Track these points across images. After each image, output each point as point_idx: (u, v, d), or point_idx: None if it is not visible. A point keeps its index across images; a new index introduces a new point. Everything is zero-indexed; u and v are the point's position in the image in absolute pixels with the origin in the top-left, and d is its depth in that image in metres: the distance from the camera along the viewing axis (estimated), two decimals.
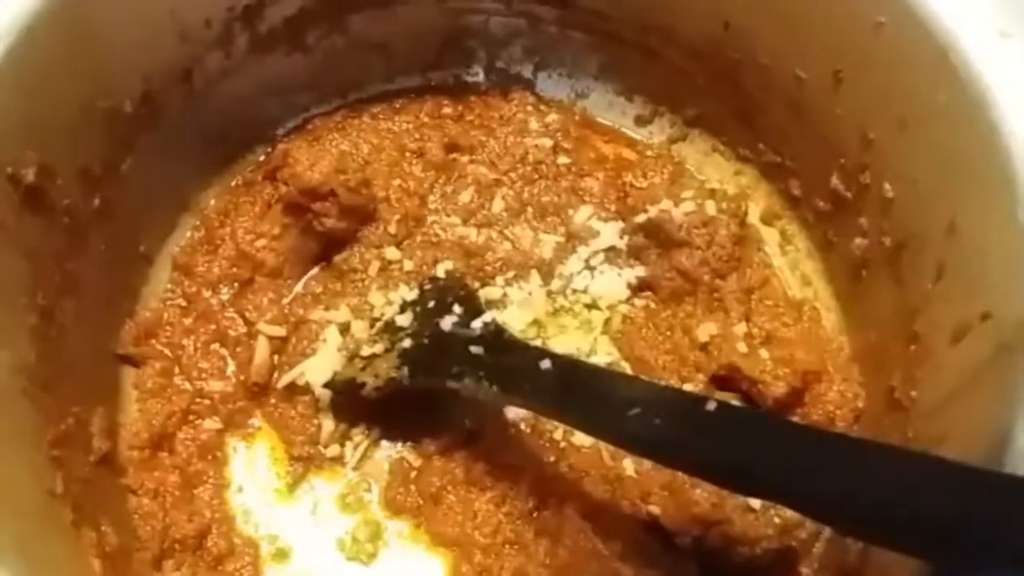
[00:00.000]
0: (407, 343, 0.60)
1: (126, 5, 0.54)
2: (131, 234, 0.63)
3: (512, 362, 0.54)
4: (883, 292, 0.57)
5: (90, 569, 0.45)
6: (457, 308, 0.61)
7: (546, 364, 0.52)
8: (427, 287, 0.64)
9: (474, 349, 0.57)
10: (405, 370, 0.59)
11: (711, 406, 0.42)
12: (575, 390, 0.50)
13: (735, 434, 0.41)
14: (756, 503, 0.52)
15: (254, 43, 0.64)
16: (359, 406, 0.63)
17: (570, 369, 0.52)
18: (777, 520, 0.51)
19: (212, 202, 0.69)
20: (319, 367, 0.62)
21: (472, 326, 0.59)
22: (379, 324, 0.63)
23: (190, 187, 0.69)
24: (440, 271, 0.66)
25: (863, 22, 0.52)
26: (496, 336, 0.58)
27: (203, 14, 0.59)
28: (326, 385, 0.62)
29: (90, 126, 0.55)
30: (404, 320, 0.62)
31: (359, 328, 0.63)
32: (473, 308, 0.61)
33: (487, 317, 0.59)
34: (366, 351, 0.61)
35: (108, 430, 0.57)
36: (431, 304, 0.62)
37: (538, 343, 0.66)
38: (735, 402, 0.61)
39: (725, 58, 0.65)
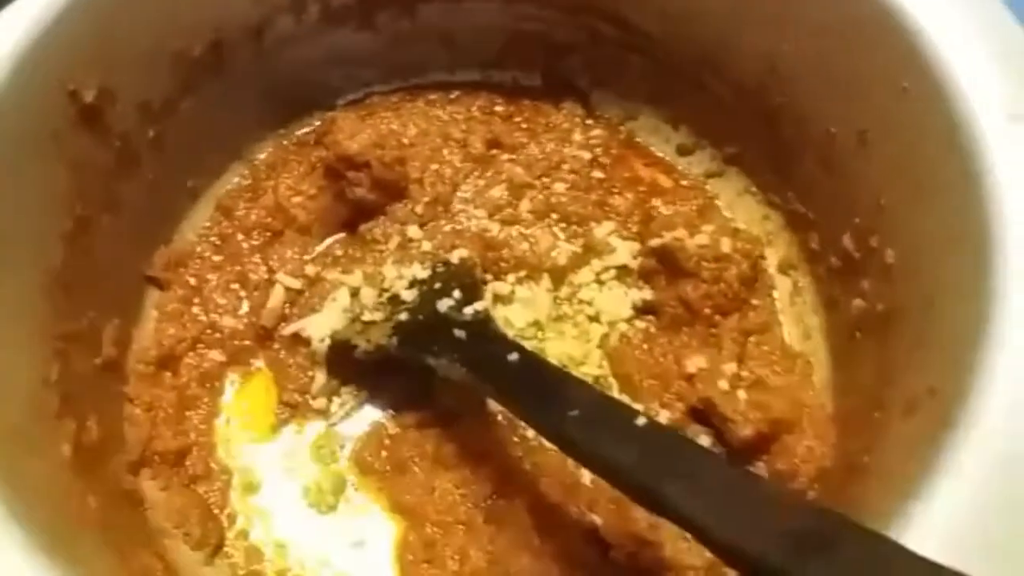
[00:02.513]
0: (403, 316, 0.63)
1: None
2: (181, 169, 0.68)
3: (485, 350, 0.57)
4: (869, 357, 0.57)
5: (60, 453, 0.50)
6: (456, 293, 0.63)
7: (513, 356, 0.54)
8: (439, 269, 0.67)
9: (457, 333, 0.59)
10: (395, 340, 0.62)
11: (640, 421, 0.44)
12: (530, 385, 0.52)
13: (652, 450, 0.42)
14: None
15: (325, 15, 0.69)
16: (353, 367, 0.66)
17: (532, 365, 0.54)
18: (706, 554, 0.52)
19: (263, 155, 0.75)
20: (321, 323, 0.66)
21: (464, 311, 0.62)
22: (386, 295, 0.66)
23: (245, 138, 0.74)
24: (455, 256, 0.69)
25: (891, 85, 0.52)
26: (481, 324, 0.60)
27: None
28: (323, 340, 0.65)
29: (156, 63, 0.60)
30: (409, 296, 0.65)
31: (367, 295, 0.66)
32: (472, 296, 0.64)
33: (479, 305, 0.62)
34: (367, 317, 0.65)
35: (120, 340, 0.63)
36: (437, 286, 0.65)
37: (534, 343, 0.68)
38: (706, 438, 0.63)
39: (768, 101, 0.66)
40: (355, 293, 0.67)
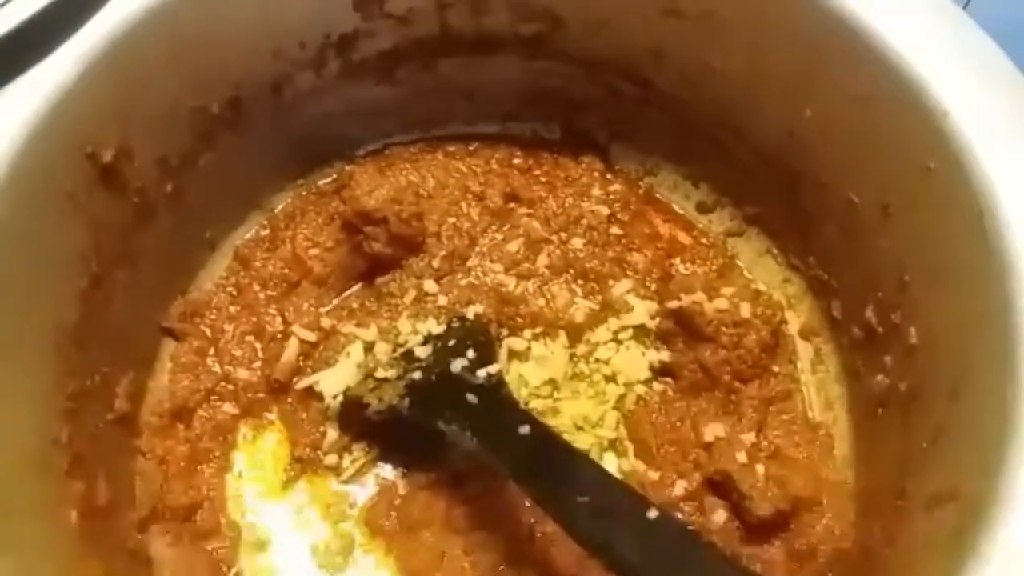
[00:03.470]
0: (416, 375, 0.63)
1: (225, 19, 0.59)
2: (199, 220, 0.69)
3: (497, 419, 0.56)
4: (891, 437, 0.55)
5: (66, 518, 0.49)
6: (471, 353, 0.63)
7: (525, 430, 0.54)
8: (454, 325, 0.67)
9: (470, 398, 0.59)
10: (406, 401, 0.62)
11: (652, 514, 0.42)
12: (540, 463, 0.51)
13: (660, 548, 0.41)
14: None
15: (345, 70, 0.69)
16: (364, 424, 0.66)
17: (542, 440, 0.53)
18: None
19: (282, 205, 0.75)
20: (335, 378, 0.66)
21: (477, 374, 0.61)
22: (400, 350, 0.66)
23: (265, 188, 0.74)
24: (470, 312, 0.68)
25: (915, 163, 0.51)
26: (494, 389, 0.59)
27: (299, 37, 0.64)
28: (335, 397, 0.65)
29: (175, 120, 0.60)
30: (423, 352, 0.65)
31: (381, 350, 0.66)
32: (486, 356, 0.63)
33: (493, 368, 0.61)
34: (380, 373, 0.64)
35: (133, 393, 0.63)
36: (451, 343, 0.65)
37: (549, 402, 0.67)
38: (723, 511, 0.61)
39: (788, 166, 0.65)
40: (369, 348, 0.67)
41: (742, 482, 0.59)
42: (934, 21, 0.51)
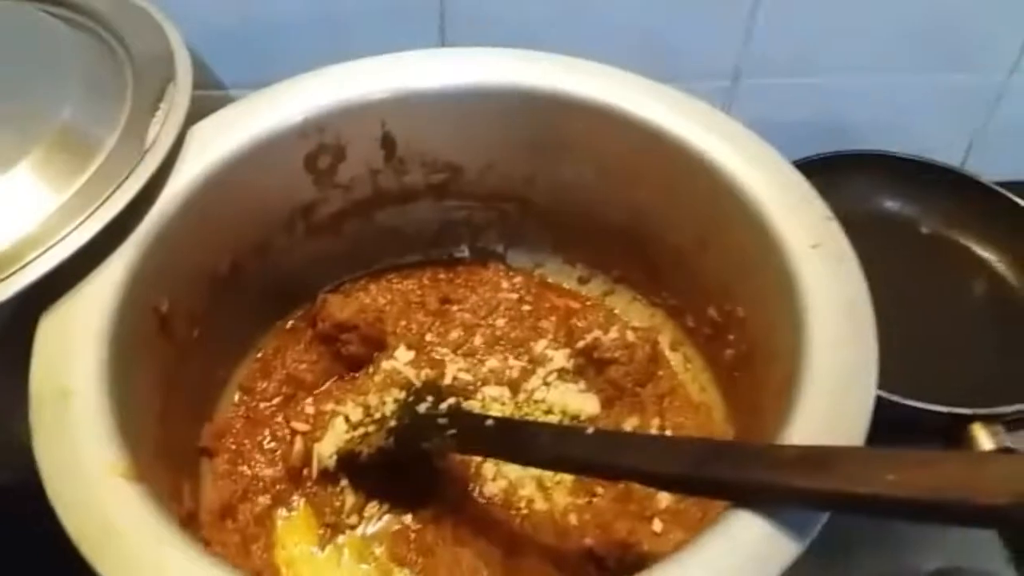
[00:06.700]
0: (392, 423, 0.82)
1: (231, 201, 0.82)
2: (214, 360, 0.87)
3: (467, 423, 0.79)
4: (747, 386, 0.81)
5: None
6: (429, 398, 0.83)
7: (490, 422, 0.77)
8: (411, 389, 0.87)
9: (441, 420, 0.79)
10: (391, 440, 0.81)
11: (589, 430, 0.69)
12: (507, 435, 0.75)
13: (601, 445, 0.67)
14: (658, 527, 0.74)
15: (308, 230, 0.92)
16: (370, 484, 0.85)
17: (505, 422, 0.79)
18: (671, 538, 0.73)
19: (268, 342, 0.95)
20: (326, 444, 0.84)
21: (440, 407, 0.82)
22: (374, 413, 0.85)
23: (255, 332, 0.94)
24: (421, 377, 0.90)
25: (721, 214, 0.80)
26: (457, 410, 0.82)
27: (277, 208, 0.88)
28: (331, 457, 0.83)
29: (198, 281, 0.81)
30: (390, 410, 0.84)
31: (357, 415, 0.85)
32: (440, 398, 0.83)
33: (452, 400, 0.83)
34: (361, 431, 0.83)
35: (193, 497, 0.79)
36: (411, 399, 0.85)
37: None
38: None
39: (636, 234, 0.93)
40: (348, 419, 0.85)
41: None
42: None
